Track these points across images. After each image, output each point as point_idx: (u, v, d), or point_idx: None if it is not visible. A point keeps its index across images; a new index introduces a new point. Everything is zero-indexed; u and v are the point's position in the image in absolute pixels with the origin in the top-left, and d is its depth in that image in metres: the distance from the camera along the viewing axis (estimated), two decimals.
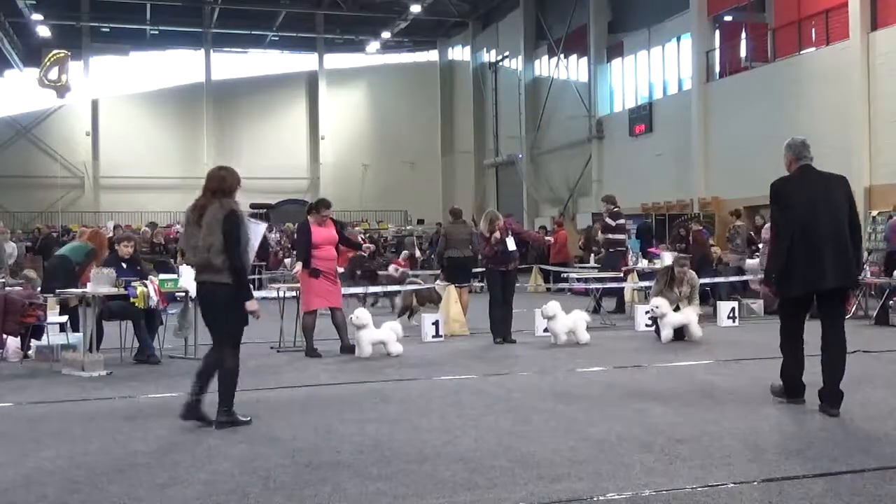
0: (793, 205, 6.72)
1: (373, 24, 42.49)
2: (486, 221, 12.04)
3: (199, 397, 6.54)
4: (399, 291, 14.83)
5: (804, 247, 6.60)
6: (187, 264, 6.88)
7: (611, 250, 16.53)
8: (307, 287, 10.56)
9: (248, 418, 6.60)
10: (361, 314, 10.40)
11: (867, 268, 14.96)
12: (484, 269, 20.08)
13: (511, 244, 11.74)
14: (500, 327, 11.72)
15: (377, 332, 10.48)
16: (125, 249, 10.73)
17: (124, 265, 10.52)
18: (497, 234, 11.74)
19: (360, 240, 17.02)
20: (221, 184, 6.58)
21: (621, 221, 16.74)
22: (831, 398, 6.58)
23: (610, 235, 16.45)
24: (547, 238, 24.36)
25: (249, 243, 6.79)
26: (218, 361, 6.60)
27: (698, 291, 12.48)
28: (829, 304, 6.84)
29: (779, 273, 6.81)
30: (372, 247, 22.96)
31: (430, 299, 13.78)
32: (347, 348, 10.66)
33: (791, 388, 6.98)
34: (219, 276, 6.48)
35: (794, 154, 6.98)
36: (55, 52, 35.03)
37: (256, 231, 7.06)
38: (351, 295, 15.38)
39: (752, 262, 16.25)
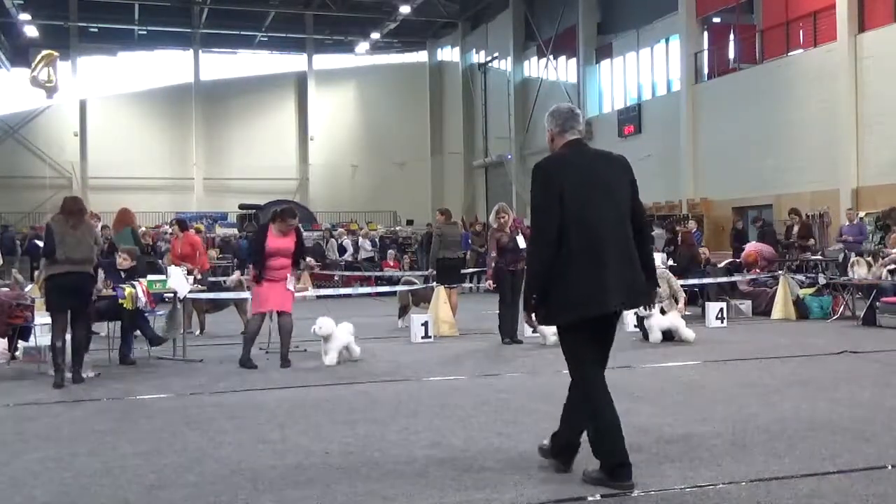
0: (564, 195, 4.79)
1: (362, 24, 42.48)
2: (494, 214, 11.86)
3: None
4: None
5: (580, 252, 4.77)
6: (65, 258, 8.75)
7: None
8: (256, 291, 9.95)
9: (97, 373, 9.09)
10: (324, 323, 9.97)
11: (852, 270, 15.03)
12: (477, 270, 19.66)
13: (521, 242, 11.70)
14: (509, 328, 11.72)
15: (341, 337, 10.09)
16: (124, 262, 10.82)
17: (122, 274, 10.66)
18: (508, 227, 11.68)
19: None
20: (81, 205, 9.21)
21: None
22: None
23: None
24: None
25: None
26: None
27: (678, 286, 12.67)
28: (599, 334, 4.90)
29: (546, 291, 4.87)
30: (314, 266, 20.12)
31: (426, 298, 13.72)
32: (285, 362, 9.90)
33: (608, 463, 4.82)
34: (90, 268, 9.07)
35: (558, 125, 5.06)
36: (46, 52, 34.87)
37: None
38: (343, 296, 15.32)
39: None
